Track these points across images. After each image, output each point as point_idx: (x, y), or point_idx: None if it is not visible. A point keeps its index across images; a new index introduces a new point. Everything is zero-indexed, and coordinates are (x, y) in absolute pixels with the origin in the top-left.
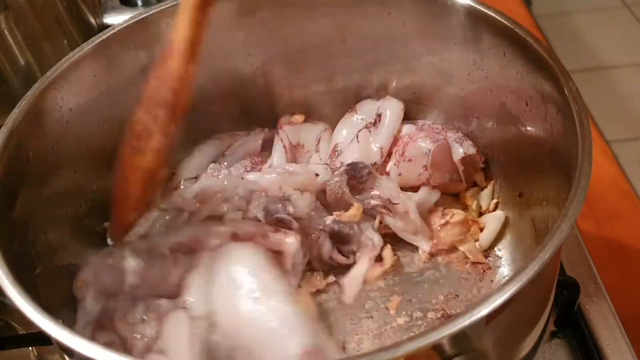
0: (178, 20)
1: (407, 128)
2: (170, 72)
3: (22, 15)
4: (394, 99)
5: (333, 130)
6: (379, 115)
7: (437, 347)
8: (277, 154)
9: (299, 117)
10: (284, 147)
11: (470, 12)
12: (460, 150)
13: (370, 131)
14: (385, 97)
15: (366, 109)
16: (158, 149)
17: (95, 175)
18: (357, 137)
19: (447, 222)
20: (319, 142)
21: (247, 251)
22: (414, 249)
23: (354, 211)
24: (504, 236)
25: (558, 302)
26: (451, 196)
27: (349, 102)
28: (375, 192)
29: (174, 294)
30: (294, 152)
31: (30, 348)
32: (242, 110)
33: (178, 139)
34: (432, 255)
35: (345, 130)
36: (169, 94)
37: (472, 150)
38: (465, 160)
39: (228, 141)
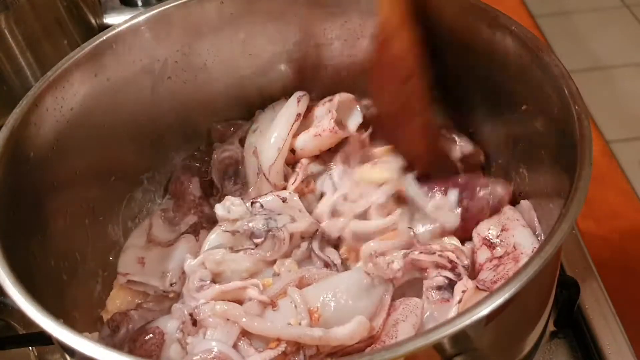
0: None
1: None
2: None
3: (22, 16)
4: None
5: None
6: None
7: (437, 347)
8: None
9: None
10: None
11: (470, 12)
12: (461, 149)
13: None
14: None
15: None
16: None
17: (96, 175)
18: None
19: None
20: None
21: None
22: None
23: None
24: None
25: (558, 302)
26: None
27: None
28: None
29: None
30: None
31: (30, 348)
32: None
33: None
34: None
35: None
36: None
37: (471, 149)
38: (465, 158)
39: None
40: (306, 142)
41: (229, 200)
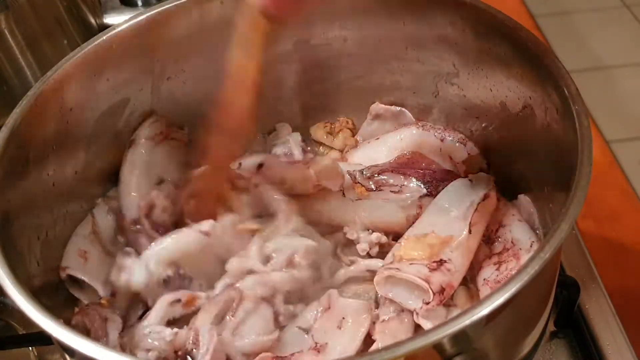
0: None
1: (409, 135)
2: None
3: (22, 16)
4: None
5: None
6: None
7: (437, 347)
8: None
9: None
10: None
11: (470, 11)
12: (464, 151)
13: None
14: None
15: None
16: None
17: (96, 174)
18: None
19: None
20: None
21: None
22: None
23: None
24: None
25: (558, 302)
26: None
27: (348, 102)
28: None
29: None
30: None
31: (30, 348)
32: None
33: None
34: None
35: None
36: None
37: (475, 151)
38: (467, 161)
39: None
40: None
41: (124, 269)
